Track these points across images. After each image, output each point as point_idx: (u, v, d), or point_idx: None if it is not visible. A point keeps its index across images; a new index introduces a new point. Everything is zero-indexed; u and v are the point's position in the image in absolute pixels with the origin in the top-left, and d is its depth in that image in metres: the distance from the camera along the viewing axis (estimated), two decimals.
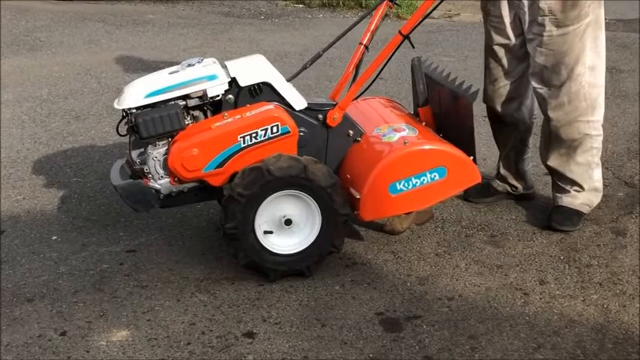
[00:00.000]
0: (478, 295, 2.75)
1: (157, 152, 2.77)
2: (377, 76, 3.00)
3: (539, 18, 2.99)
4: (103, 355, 2.43)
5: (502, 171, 3.44)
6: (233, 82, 2.81)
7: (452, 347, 2.45)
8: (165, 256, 3.03)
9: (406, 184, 2.72)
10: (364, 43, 3.03)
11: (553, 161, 3.21)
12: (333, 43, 3.08)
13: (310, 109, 2.87)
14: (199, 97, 2.81)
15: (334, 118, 2.85)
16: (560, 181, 3.23)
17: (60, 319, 2.63)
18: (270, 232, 2.77)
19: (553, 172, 3.26)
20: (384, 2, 3.05)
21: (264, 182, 2.67)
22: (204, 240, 3.14)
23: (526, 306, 2.68)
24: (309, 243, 2.79)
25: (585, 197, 3.22)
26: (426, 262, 2.98)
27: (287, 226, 2.77)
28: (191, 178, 2.76)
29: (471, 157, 2.80)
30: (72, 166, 3.93)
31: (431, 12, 3.01)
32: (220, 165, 2.73)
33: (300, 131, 2.81)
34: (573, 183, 3.20)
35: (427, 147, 2.77)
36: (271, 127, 2.73)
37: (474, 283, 2.82)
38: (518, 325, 2.56)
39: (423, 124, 3.05)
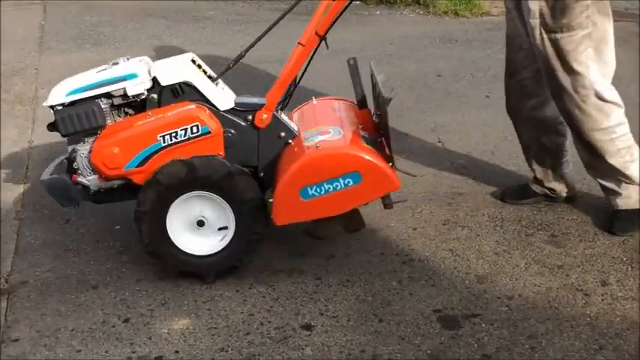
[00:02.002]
0: (538, 295, 2.71)
1: (84, 149, 2.77)
2: (301, 78, 2.94)
3: (531, 20, 2.90)
4: (164, 343, 2.47)
5: (538, 175, 3.33)
6: (155, 81, 2.77)
7: (511, 347, 2.42)
8: None
9: (318, 190, 2.61)
10: (302, 42, 2.88)
11: (587, 166, 3.14)
12: (256, 41, 2.91)
13: (237, 110, 2.81)
14: (122, 96, 2.77)
15: (262, 118, 2.79)
16: (603, 182, 3.12)
17: (123, 306, 2.69)
18: (225, 228, 2.77)
19: (592, 175, 3.18)
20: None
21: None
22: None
23: (587, 307, 2.63)
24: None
25: (637, 193, 3.10)
26: (485, 260, 2.94)
27: (200, 227, 2.77)
28: (113, 175, 2.75)
29: (390, 164, 2.67)
30: None
31: (344, 10, 2.87)
32: (141, 164, 2.71)
33: (226, 132, 2.76)
34: (616, 183, 3.08)
35: (339, 152, 2.66)
36: (191, 127, 2.69)
37: (534, 283, 2.78)
38: (579, 327, 2.52)
39: (360, 127, 2.90)
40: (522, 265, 2.90)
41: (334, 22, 2.83)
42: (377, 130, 2.94)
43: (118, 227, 3.25)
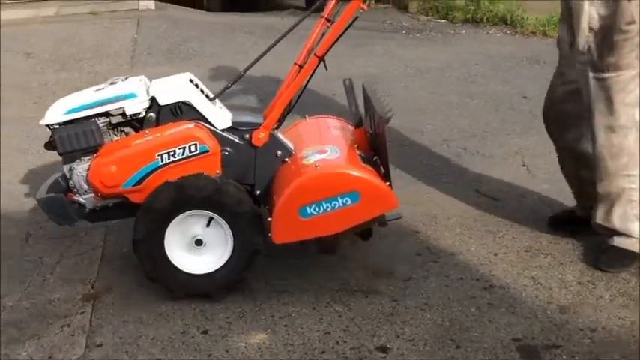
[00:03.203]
0: (622, 328, 2.62)
1: (81, 167, 2.77)
2: (299, 98, 2.93)
3: (579, 56, 2.82)
4: (241, 356, 2.51)
5: (578, 212, 3.26)
6: (153, 100, 2.78)
7: None
8: (302, 265, 3.07)
9: (317, 209, 2.60)
10: (299, 62, 2.90)
11: (592, 202, 3.03)
12: (256, 61, 2.92)
13: (235, 129, 2.82)
14: (121, 115, 2.80)
15: (259, 137, 2.79)
16: (605, 224, 3.01)
17: (202, 317, 2.74)
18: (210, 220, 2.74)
19: (593, 217, 3.05)
20: (321, 21, 2.90)
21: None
22: (339, 253, 3.17)
23: None
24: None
25: (635, 241, 2.98)
26: (568, 290, 2.86)
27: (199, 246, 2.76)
28: (110, 194, 2.77)
29: (387, 183, 2.66)
30: None
31: (342, 33, 2.83)
32: (139, 182, 2.73)
33: (223, 150, 2.77)
34: (611, 231, 2.99)
35: (338, 171, 2.67)
36: (189, 146, 2.70)
37: (618, 316, 2.68)
38: None
39: (355, 146, 2.91)
40: (607, 296, 2.81)
41: (333, 44, 2.82)
42: (371, 149, 2.94)
43: None
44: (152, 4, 8.50)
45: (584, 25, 2.78)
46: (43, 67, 6.31)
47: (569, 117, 3.04)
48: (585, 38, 2.79)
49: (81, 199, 2.82)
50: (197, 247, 2.76)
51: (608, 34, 2.74)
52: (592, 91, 2.82)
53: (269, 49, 2.92)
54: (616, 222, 2.95)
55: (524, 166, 4.07)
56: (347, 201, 2.60)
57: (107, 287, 2.97)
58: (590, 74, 2.81)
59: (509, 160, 4.16)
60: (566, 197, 3.63)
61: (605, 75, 2.78)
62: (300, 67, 2.91)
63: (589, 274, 2.97)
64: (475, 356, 2.47)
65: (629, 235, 2.96)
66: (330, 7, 2.95)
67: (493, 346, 2.52)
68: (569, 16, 2.87)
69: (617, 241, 3.00)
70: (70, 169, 2.81)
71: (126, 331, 2.67)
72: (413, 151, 4.34)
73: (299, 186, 2.62)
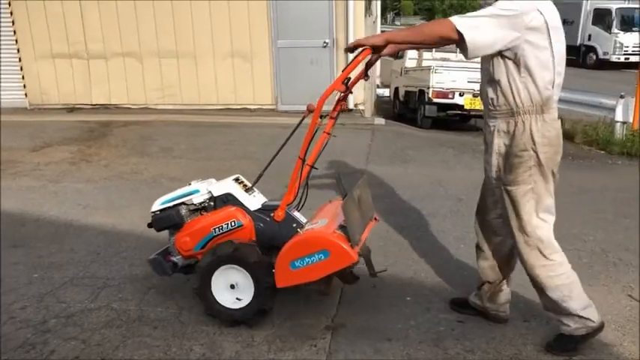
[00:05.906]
0: None
1: (172, 239, 3.04)
2: (299, 188, 2.93)
3: (494, 174, 2.68)
4: None
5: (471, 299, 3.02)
6: (211, 193, 3.01)
7: None
8: (485, 332, 2.95)
9: (301, 262, 2.64)
10: (308, 162, 2.87)
11: (540, 298, 2.79)
12: (271, 161, 3.02)
13: (263, 210, 2.96)
14: (192, 204, 3.02)
15: (279, 215, 2.90)
16: (548, 313, 2.79)
17: (409, 359, 2.71)
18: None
19: (543, 306, 2.81)
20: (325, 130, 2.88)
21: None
22: (515, 326, 3.00)
23: None
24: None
25: (578, 322, 2.69)
26: None
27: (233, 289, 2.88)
28: (188, 256, 3.00)
29: (350, 244, 2.61)
30: (419, 249, 4.04)
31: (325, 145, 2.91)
32: (203, 247, 2.96)
33: (256, 224, 2.93)
34: (557, 313, 2.72)
35: (314, 236, 2.66)
36: (230, 222, 2.92)
37: None
38: None
39: (343, 218, 2.74)
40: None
41: (320, 153, 2.94)
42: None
43: (408, 299, 3.30)
44: (383, 121, 8.81)
45: (495, 149, 2.66)
46: None
47: (495, 224, 2.87)
48: (497, 160, 2.67)
49: (175, 259, 3.07)
50: (232, 289, 2.88)
51: (508, 158, 2.61)
52: (504, 199, 2.68)
53: (281, 147, 3.02)
54: (555, 306, 2.71)
55: None
56: (321, 257, 2.63)
57: (342, 324, 3.02)
58: (502, 187, 2.68)
59: None
60: None
61: (510, 187, 2.63)
62: (308, 165, 2.93)
63: None
64: None
65: (569, 314, 2.70)
66: (330, 124, 3.01)
67: None
68: (486, 146, 2.77)
69: (563, 329, 2.74)
70: (169, 240, 3.09)
71: (353, 359, 2.70)
72: (576, 256, 4.02)
73: (288, 247, 2.69)
